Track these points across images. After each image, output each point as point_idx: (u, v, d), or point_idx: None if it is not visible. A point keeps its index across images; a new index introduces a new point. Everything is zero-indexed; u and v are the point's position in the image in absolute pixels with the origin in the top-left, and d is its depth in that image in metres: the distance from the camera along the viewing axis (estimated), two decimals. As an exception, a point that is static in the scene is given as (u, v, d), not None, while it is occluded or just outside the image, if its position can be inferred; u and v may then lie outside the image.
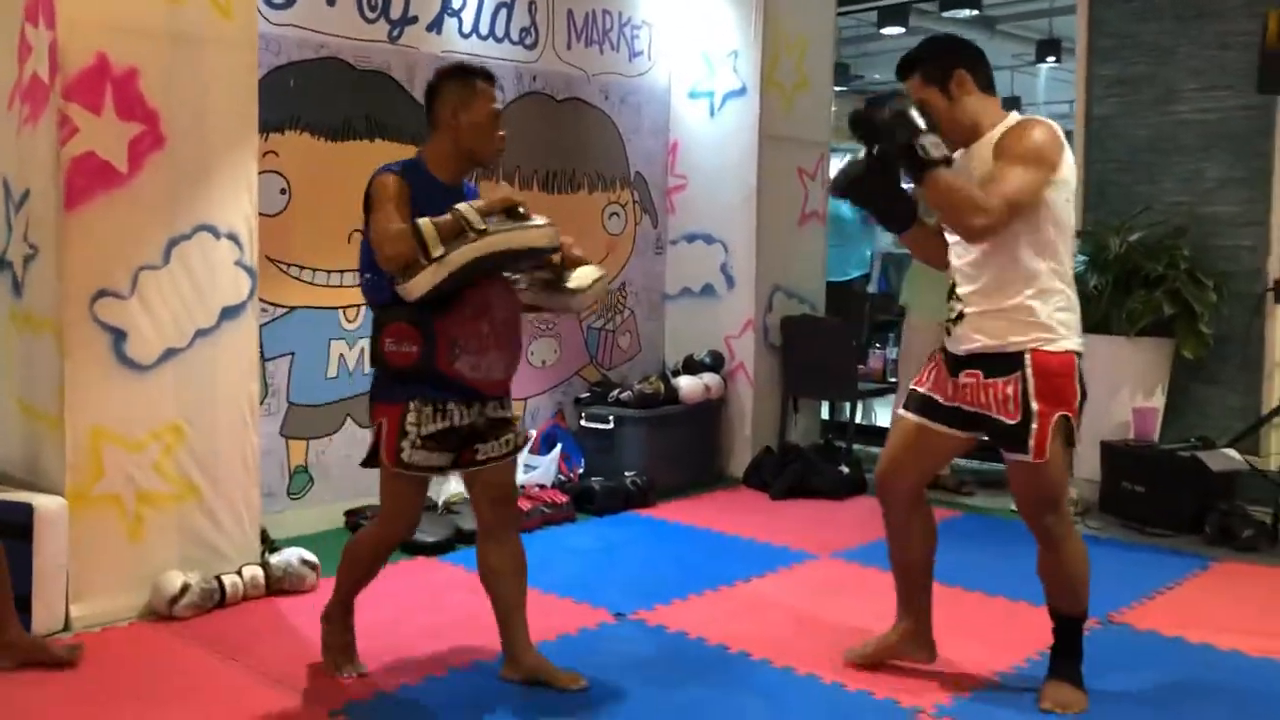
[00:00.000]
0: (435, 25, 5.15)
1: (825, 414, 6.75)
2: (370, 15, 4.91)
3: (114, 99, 3.60)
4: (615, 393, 5.79)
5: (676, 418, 5.80)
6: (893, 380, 6.59)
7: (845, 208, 8.78)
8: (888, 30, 9.70)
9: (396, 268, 2.85)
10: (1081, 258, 5.53)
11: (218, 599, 3.79)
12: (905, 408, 3.21)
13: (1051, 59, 11.33)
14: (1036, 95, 13.06)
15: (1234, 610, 3.97)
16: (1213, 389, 5.53)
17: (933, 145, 2.79)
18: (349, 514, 4.85)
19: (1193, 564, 4.54)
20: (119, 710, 3.04)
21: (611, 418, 5.67)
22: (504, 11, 5.45)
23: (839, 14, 6.75)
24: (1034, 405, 2.90)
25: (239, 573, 3.88)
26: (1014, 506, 3.19)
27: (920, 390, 3.16)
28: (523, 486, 4.85)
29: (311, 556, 4.05)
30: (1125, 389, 5.35)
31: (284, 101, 4.60)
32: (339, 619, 3.26)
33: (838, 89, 7.65)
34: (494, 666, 3.31)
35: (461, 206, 2.85)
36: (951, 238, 3.06)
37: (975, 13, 9.72)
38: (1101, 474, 5.29)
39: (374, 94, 4.93)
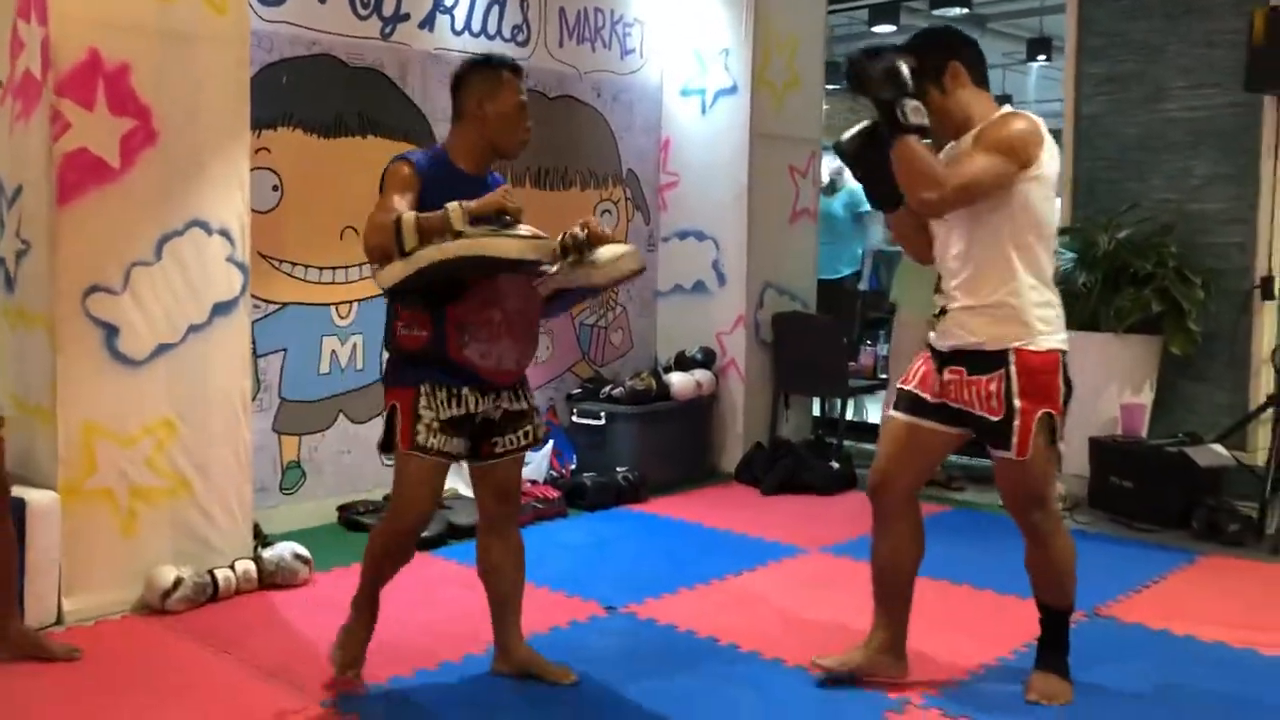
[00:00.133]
0: (427, 22, 5.17)
1: (816, 410, 6.78)
2: (362, 12, 4.93)
3: (106, 95, 3.61)
4: (607, 389, 5.81)
5: (668, 414, 5.83)
6: (883, 377, 6.62)
7: (837, 205, 8.82)
8: (879, 28, 9.74)
9: (374, 258, 2.85)
10: (1070, 255, 5.56)
11: (210, 593, 3.81)
12: (895, 408, 3.19)
13: (1042, 57, 11.38)
14: (1027, 94, 13.10)
15: (1219, 603, 4.00)
16: (1200, 385, 5.57)
17: (913, 110, 2.79)
18: (341, 509, 4.87)
19: (1179, 558, 4.58)
20: (112, 703, 3.05)
21: (603, 414, 5.69)
22: (496, 9, 5.46)
23: (830, 12, 6.78)
24: (1017, 403, 2.91)
25: (231, 567, 3.90)
26: (1002, 502, 3.19)
27: (907, 388, 3.15)
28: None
29: (304, 551, 4.07)
30: (1114, 385, 5.39)
31: (276, 98, 4.61)
32: (364, 608, 3.16)
33: (829, 87, 7.67)
34: (485, 660, 3.33)
35: (451, 204, 2.81)
36: (938, 231, 3.06)
37: (966, 10, 9.75)
38: (1090, 469, 5.32)
39: (366, 91, 4.95)
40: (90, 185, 3.60)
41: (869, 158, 3.05)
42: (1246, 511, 4.88)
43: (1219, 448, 5.12)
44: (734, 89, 6.07)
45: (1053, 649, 3.17)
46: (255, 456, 4.21)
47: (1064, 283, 5.41)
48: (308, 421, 4.85)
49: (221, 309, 3.93)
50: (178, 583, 3.72)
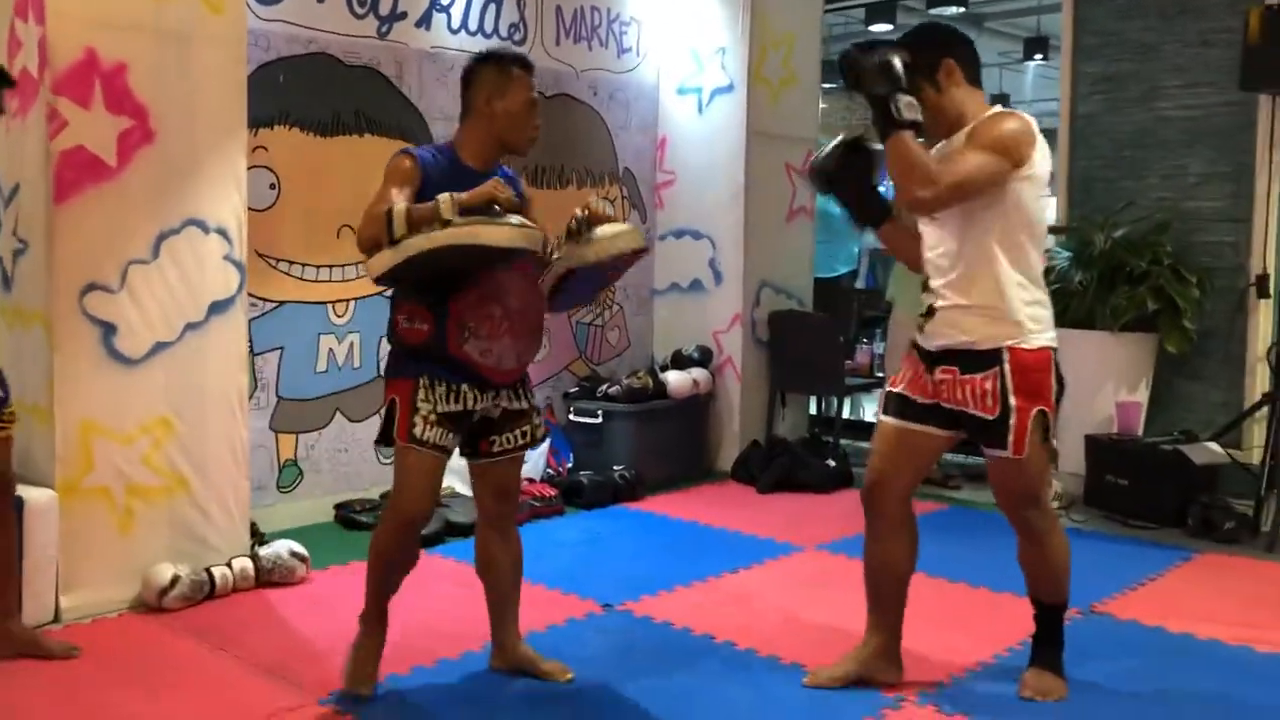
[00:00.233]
0: (424, 21, 5.17)
1: (813, 409, 6.79)
2: (359, 11, 4.93)
3: (103, 93, 3.61)
4: (604, 387, 5.82)
5: (665, 412, 5.84)
6: (879, 375, 6.64)
7: (833, 204, 8.84)
8: (875, 27, 9.74)
9: (366, 249, 2.84)
10: (1066, 253, 5.58)
11: (207, 591, 3.81)
12: (884, 412, 3.16)
13: (1039, 56, 11.38)
14: (1024, 93, 13.12)
15: (1214, 601, 4.01)
16: (1196, 384, 5.59)
17: (906, 106, 2.77)
18: (338, 507, 4.88)
19: (1175, 556, 4.59)
20: (109, 699, 3.06)
21: (600, 412, 5.70)
22: (493, 7, 5.47)
23: (826, 11, 6.79)
24: (1012, 401, 2.90)
25: (229, 565, 3.91)
26: (995, 501, 3.18)
27: (896, 391, 3.12)
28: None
29: (301, 549, 4.08)
30: (1109, 384, 5.40)
31: (273, 97, 4.62)
32: (373, 620, 3.11)
33: (826, 86, 7.68)
34: (483, 657, 3.34)
35: (442, 195, 2.80)
36: (926, 230, 3.05)
37: (962, 10, 9.76)
38: (1086, 467, 5.33)
39: (363, 89, 4.95)
40: (87, 184, 3.61)
41: (849, 175, 3.06)
42: (1242, 509, 4.90)
43: (1214, 446, 5.13)
44: (730, 88, 6.08)
45: (1047, 645, 3.17)
46: (252, 455, 4.22)
47: (1060, 281, 5.45)
48: (305, 420, 4.86)
49: (218, 307, 3.94)
50: (175, 580, 3.72)
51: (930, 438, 3.10)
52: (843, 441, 6.21)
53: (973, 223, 2.89)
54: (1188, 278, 5.32)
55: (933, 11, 9.62)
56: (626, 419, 5.67)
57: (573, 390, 5.91)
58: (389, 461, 3.08)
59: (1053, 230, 5.86)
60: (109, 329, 3.68)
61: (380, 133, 4.98)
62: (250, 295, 4.23)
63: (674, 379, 5.91)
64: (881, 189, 3.18)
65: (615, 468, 5.49)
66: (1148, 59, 5.70)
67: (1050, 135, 6.14)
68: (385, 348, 3.11)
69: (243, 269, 4.01)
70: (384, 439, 3.01)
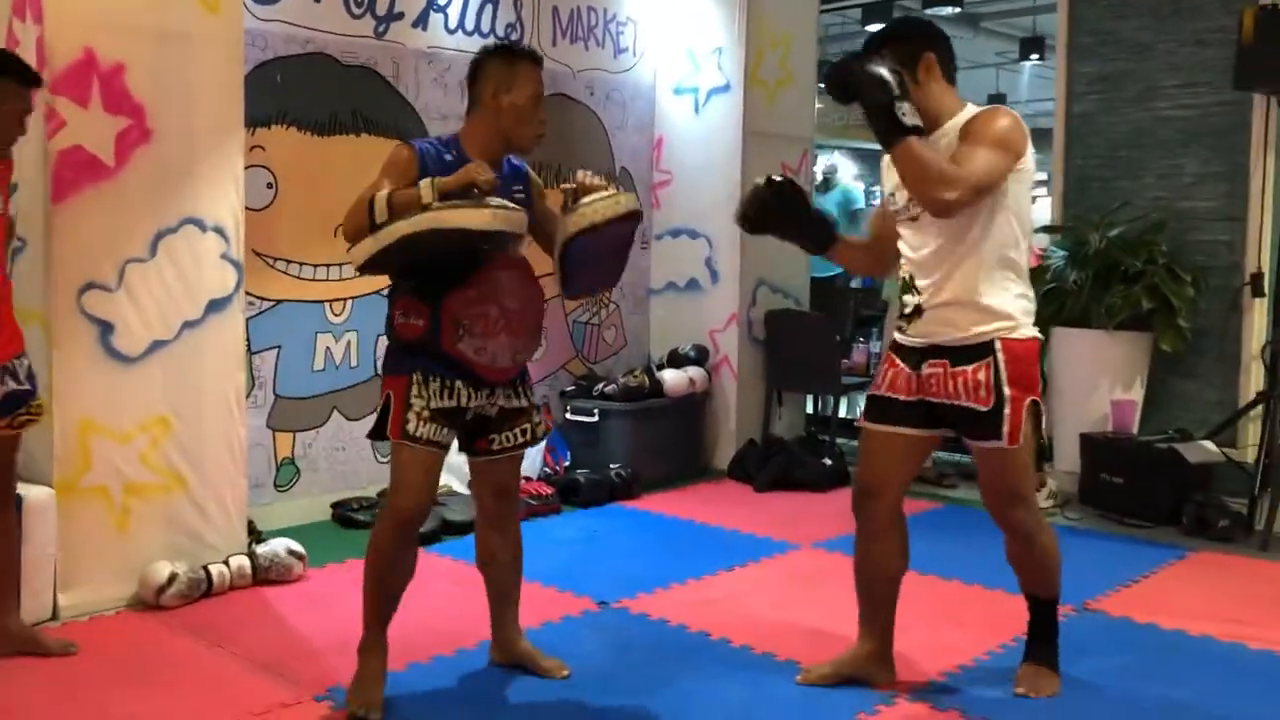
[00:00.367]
0: (421, 21, 5.19)
1: (809, 408, 6.81)
2: (356, 11, 4.94)
3: (101, 93, 3.63)
4: (600, 386, 5.83)
5: (661, 411, 5.85)
6: (875, 374, 6.64)
7: (830, 203, 8.86)
8: (872, 28, 9.74)
9: (350, 237, 2.83)
10: (1061, 253, 5.60)
11: (205, 588, 3.83)
12: (867, 418, 3.14)
13: (1035, 56, 11.40)
14: (1020, 93, 13.13)
15: (1207, 598, 4.03)
16: (1191, 382, 5.60)
17: (910, 111, 2.76)
18: (335, 506, 4.89)
19: (1169, 554, 4.61)
20: (107, 696, 3.07)
21: (597, 411, 5.72)
22: (489, 7, 5.48)
23: (822, 11, 6.81)
24: (1007, 390, 2.89)
25: (226, 563, 3.92)
26: (981, 500, 3.12)
27: (879, 394, 3.10)
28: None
29: (298, 547, 4.10)
30: (1104, 382, 5.42)
31: (271, 96, 4.63)
32: (374, 647, 3.01)
33: (822, 86, 7.70)
34: (478, 654, 3.36)
35: (423, 181, 2.79)
36: (906, 231, 3.02)
37: (958, 10, 9.78)
38: (1081, 466, 5.35)
39: (360, 89, 4.97)
40: (85, 183, 3.62)
41: (777, 214, 3.06)
42: (1236, 507, 4.92)
43: (1209, 444, 5.15)
44: (727, 87, 6.09)
45: (1041, 640, 3.18)
46: (250, 453, 4.23)
47: (1055, 280, 5.47)
48: (302, 418, 4.87)
49: (216, 306, 3.95)
50: (172, 578, 3.74)
51: (915, 440, 3.09)
52: (839, 440, 6.23)
53: (963, 220, 2.87)
54: (1183, 277, 5.34)
55: (929, 11, 9.64)
56: (623, 418, 5.69)
57: (569, 389, 5.93)
58: (386, 460, 3.07)
59: (1047, 230, 5.89)
60: (107, 328, 3.70)
61: (377, 132, 4.99)
62: (248, 294, 4.25)
63: (670, 378, 5.93)
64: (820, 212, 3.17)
65: (612, 466, 5.51)
66: (1143, 59, 5.71)
67: (1046, 135, 6.21)
68: (384, 345, 3.10)
69: (240, 268, 4.03)
70: (377, 434, 2.99)
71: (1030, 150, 2.92)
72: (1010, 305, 2.93)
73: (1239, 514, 4.89)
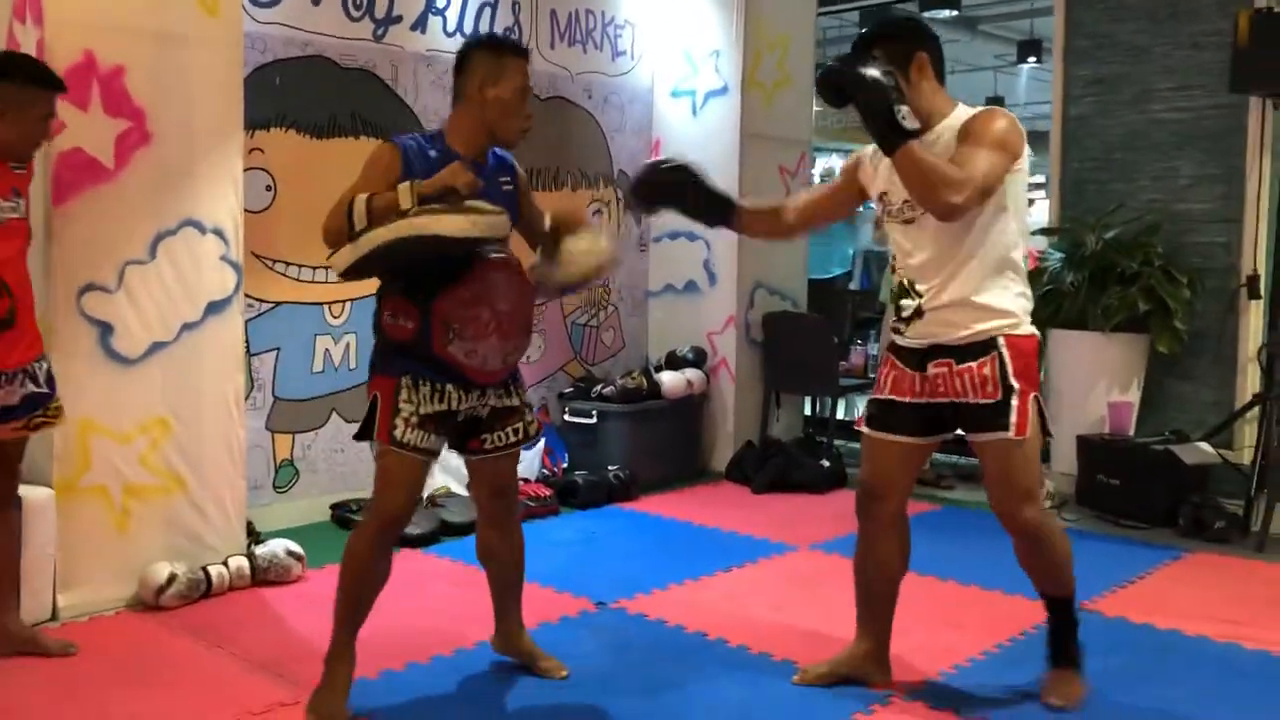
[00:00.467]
0: (419, 24, 5.20)
1: (807, 409, 6.83)
2: (355, 14, 4.96)
3: (101, 96, 3.64)
4: (599, 388, 5.85)
5: (659, 413, 5.86)
6: (873, 376, 6.64)
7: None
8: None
9: (330, 241, 2.79)
10: (1058, 255, 5.62)
11: (204, 589, 3.84)
12: (868, 425, 3.13)
13: (1032, 59, 11.42)
14: (1018, 95, 13.16)
15: (1203, 598, 4.04)
16: (1187, 384, 5.62)
17: (909, 115, 2.73)
18: (334, 507, 4.90)
19: (1165, 555, 4.62)
20: (107, 697, 3.08)
21: (595, 412, 5.73)
22: (488, 11, 5.50)
23: (820, 14, 6.82)
24: (1014, 383, 2.87)
25: (225, 563, 3.93)
26: (989, 500, 3.05)
27: (881, 398, 3.09)
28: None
29: (297, 547, 4.11)
30: (1101, 384, 5.43)
31: (270, 99, 4.65)
32: (341, 657, 2.93)
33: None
34: (476, 655, 3.37)
35: (401, 185, 2.74)
36: (900, 234, 2.99)
37: (955, 13, 9.80)
38: (1078, 467, 5.37)
39: (359, 92, 4.99)
40: (85, 185, 3.64)
41: (685, 189, 3.09)
42: (1232, 509, 4.93)
43: (1205, 446, 5.17)
44: (724, 90, 6.11)
45: (1063, 642, 3.12)
46: (249, 455, 4.24)
47: (1052, 282, 5.48)
48: (301, 420, 4.88)
49: (215, 308, 3.96)
50: (172, 579, 3.75)
51: (917, 448, 3.09)
52: (837, 442, 6.25)
53: (963, 222, 2.85)
54: (1179, 279, 5.36)
55: (926, 14, 9.66)
56: (621, 419, 5.70)
57: (568, 391, 5.94)
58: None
59: (1044, 232, 5.91)
60: (106, 329, 3.71)
61: (376, 135, 5.00)
62: (247, 296, 4.26)
63: (668, 380, 5.94)
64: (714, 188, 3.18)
65: (610, 468, 5.52)
66: (1139, 62, 5.74)
67: (1043, 137, 6.22)
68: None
69: (239, 270, 4.04)
70: (364, 434, 2.95)
71: (1026, 150, 2.91)
72: (1011, 304, 2.92)
73: (1235, 515, 4.90)
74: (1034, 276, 4.79)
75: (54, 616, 3.62)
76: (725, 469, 6.06)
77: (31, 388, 3.21)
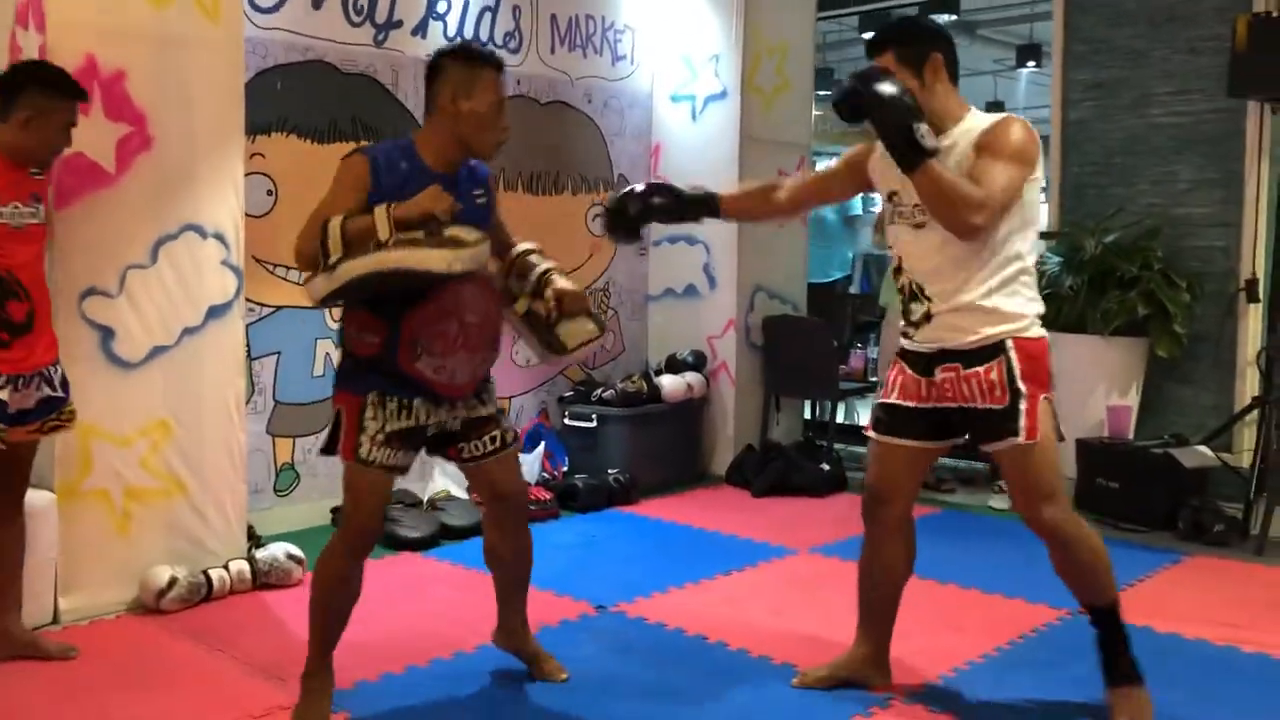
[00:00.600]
0: (420, 29, 5.22)
1: (807, 413, 6.83)
2: (356, 19, 4.98)
3: (102, 100, 3.65)
4: (599, 391, 5.85)
5: (659, 416, 5.87)
6: (874, 379, 6.67)
7: (827, 209, 8.88)
8: (869, 35, 9.78)
9: (304, 266, 2.71)
10: (1057, 259, 5.63)
11: (204, 593, 3.85)
12: (875, 429, 3.11)
13: (1032, 64, 11.43)
14: (1017, 100, 13.17)
15: (1202, 602, 4.05)
16: (1186, 388, 5.63)
17: (928, 133, 2.70)
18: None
19: (1164, 558, 4.63)
20: (107, 700, 3.09)
21: (595, 416, 5.73)
22: (488, 16, 5.52)
23: (820, 19, 6.84)
24: (1021, 386, 2.84)
25: (226, 567, 3.94)
26: (1012, 507, 3.02)
27: (888, 403, 3.06)
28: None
29: (297, 551, 4.12)
30: (1100, 387, 5.44)
31: (271, 104, 4.66)
32: (318, 674, 2.92)
33: (821, 93, 7.74)
34: (477, 658, 3.38)
35: (378, 209, 2.67)
36: (907, 236, 2.98)
37: (955, 18, 9.80)
38: (1077, 470, 5.36)
39: (360, 97, 5.00)
40: (86, 189, 3.65)
41: (654, 207, 3.13)
42: (1231, 512, 4.94)
43: (1204, 449, 5.17)
44: (724, 95, 6.12)
45: (1116, 653, 2.99)
46: (250, 458, 4.26)
47: (1051, 285, 5.49)
48: (301, 424, 4.89)
49: (216, 312, 3.98)
50: (172, 582, 3.76)
51: (925, 452, 3.09)
52: (837, 446, 6.25)
53: None
54: (1178, 282, 5.37)
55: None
56: (621, 423, 5.71)
57: (567, 394, 5.95)
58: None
59: (1043, 236, 5.92)
60: (107, 333, 3.72)
61: (376, 139, 5.00)
62: (247, 300, 4.27)
63: (668, 383, 5.95)
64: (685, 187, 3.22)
65: (610, 471, 5.53)
66: (1137, 66, 5.75)
67: (1043, 142, 6.21)
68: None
69: (240, 274, 4.05)
70: (328, 449, 2.89)
71: (1041, 157, 2.89)
72: (1021, 308, 2.89)
73: (1234, 518, 4.90)
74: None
75: (55, 620, 3.63)
76: (725, 472, 6.06)
77: (47, 391, 3.24)
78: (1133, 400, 5.47)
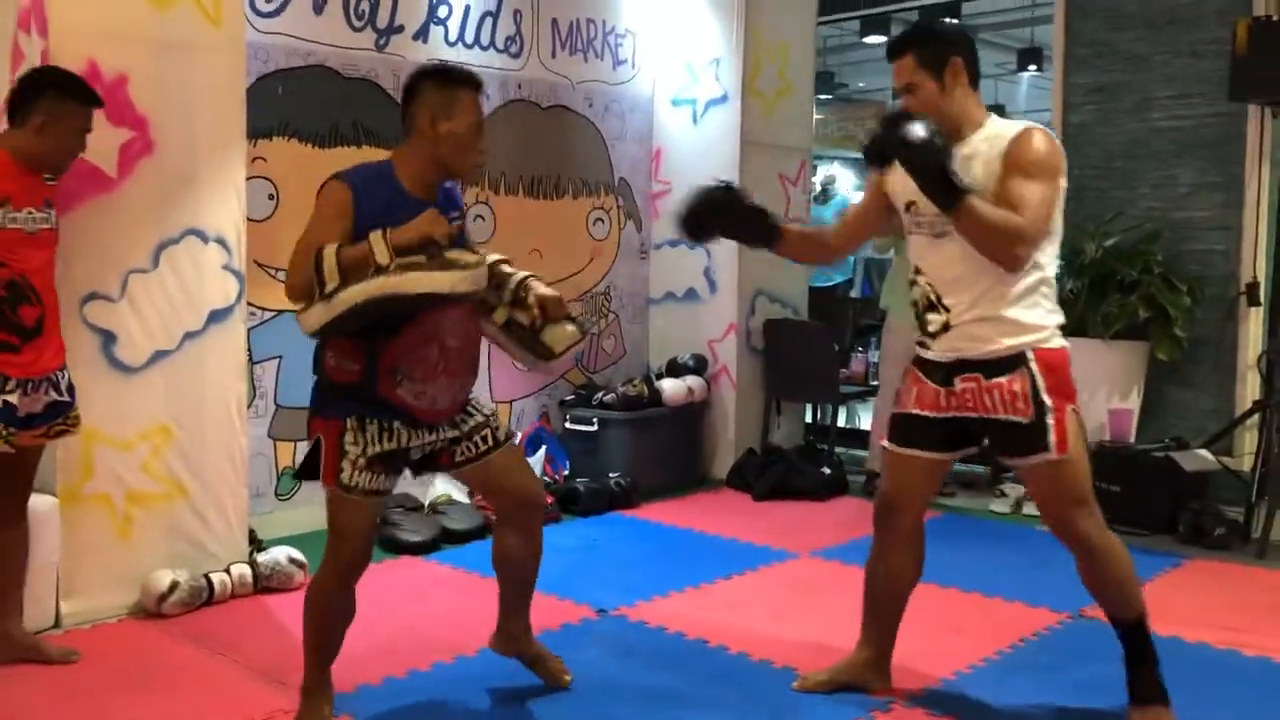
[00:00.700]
0: (421, 34, 5.23)
1: (808, 417, 6.84)
2: (357, 24, 4.99)
3: (105, 105, 3.65)
4: (600, 395, 5.86)
5: (660, 420, 5.87)
6: (874, 384, 6.68)
7: (828, 213, 8.89)
8: (870, 39, 9.81)
9: (298, 297, 2.66)
10: (1058, 262, 5.62)
11: (206, 596, 3.85)
12: (892, 440, 3.08)
13: (1033, 67, 11.45)
14: (1018, 103, 13.18)
15: (1203, 605, 4.05)
16: (1187, 391, 5.63)
17: (961, 170, 2.68)
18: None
19: (1165, 562, 4.62)
20: (108, 702, 3.09)
21: (596, 420, 5.74)
22: (489, 20, 5.52)
23: (821, 23, 6.84)
24: (1047, 400, 2.80)
25: (227, 571, 3.95)
26: (1042, 518, 2.99)
27: (907, 412, 3.03)
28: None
29: (299, 555, 4.12)
30: (1101, 391, 5.44)
31: (272, 108, 4.67)
32: (317, 689, 2.91)
33: (823, 97, 7.74)
34: (477, 662, 3.38)
35: (373, 235, 2.62)
36: (927, 248, 2.95)
37: (956, 22, 9.81)
38: (1078, 474, 5.36)
39: (361, 101, 5.01)
40: (88, 194, 3.66)
41: (730, 216, 3.04)
42: (1232, 516, 4.94)
43: (1205, 453, 5.17)
44: (724, 99, 6.13)
45: (1142, 668, 2.98)
46: (251, 462, 4.26)
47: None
48: (303, 428, 4.83)
49: (217, 316, 3.98)
50: (174, 586, 3.77)
51: (940, 462, 3.06)
52: (838, 449, 6.26)
53: None
54: (1178, 286, 5.37)
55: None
56: (622, 427, 5.71)
57: (569, 398, 5.95)
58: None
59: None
60: (109, 337, 3.73)
61: (378, 144, 5.02)
62: (249, 304, 4.28)
63: (669, 387, 5.95)
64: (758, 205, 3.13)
65: (611, 475, 5.53)
66: (1138, 70, 5.75)
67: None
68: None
69: (242, 278, 4.06)
70: (307, 475, 2.83)
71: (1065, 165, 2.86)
72: (1042, 319, 2.86)
73: (1235, 522, 4.91)
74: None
75: (57, 624, 3.63)
76: (726, 476, 6.06)
77: (54, 396, 3.26)
78: (1133, 404, 5.47)
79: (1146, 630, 2.98)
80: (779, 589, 4.24)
